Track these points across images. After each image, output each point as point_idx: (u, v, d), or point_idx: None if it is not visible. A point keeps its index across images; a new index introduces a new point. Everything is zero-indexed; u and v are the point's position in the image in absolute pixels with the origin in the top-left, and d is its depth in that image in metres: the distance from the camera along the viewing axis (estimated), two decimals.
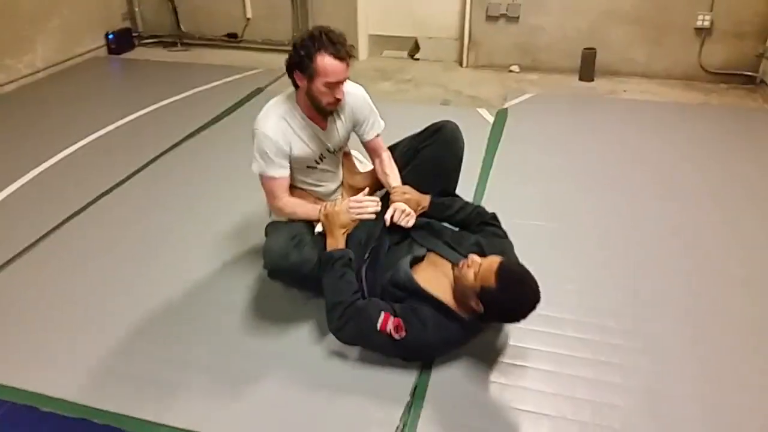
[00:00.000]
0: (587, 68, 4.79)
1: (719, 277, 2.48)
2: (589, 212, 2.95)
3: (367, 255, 2.11)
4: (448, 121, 2.39)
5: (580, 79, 4.83)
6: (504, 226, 2.26)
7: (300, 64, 2.06)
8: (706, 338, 2.16)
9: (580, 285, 2.39)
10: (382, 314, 1.84)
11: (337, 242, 2.07)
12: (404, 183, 2.33)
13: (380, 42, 5.47)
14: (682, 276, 2.48)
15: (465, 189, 2.65)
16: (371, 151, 2.42)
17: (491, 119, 4.01)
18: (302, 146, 2.21)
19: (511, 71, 5.07)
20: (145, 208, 3.00)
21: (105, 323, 2.23)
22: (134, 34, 5.74)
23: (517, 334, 2.13)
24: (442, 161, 2.39)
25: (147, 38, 5.79)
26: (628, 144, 3.68)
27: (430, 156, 2.37)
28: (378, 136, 2.38)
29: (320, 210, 2.16)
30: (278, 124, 2.14)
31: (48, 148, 3.58)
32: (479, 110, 4.15)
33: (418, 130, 2.44)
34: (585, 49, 4.77)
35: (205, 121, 3.95)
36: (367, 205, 2.14)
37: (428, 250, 2.11)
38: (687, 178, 3.27)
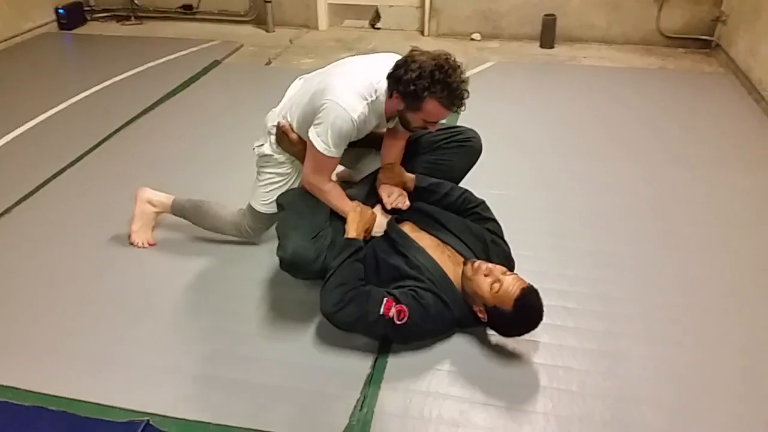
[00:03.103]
0: (548, 35, 4.79)
1: (678, 239, 2.52)
2: (548, 177, 2.97)
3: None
4: (476, 135, 2.34)
5: (541, 46, 4.83)
6: None
7: (405, 93, 1.91)
8: (663, 300, 2.20)
9: (537, 251, 2.41)
10: (385, 300, 1.84)
11: (356, 234, 2.03)
12: (408, 168, 2.25)
13: (340, 11, 5.38)
14: (640, 239, 2.52)
15: None
16: (397, 129, 2.20)
17: None
18: (363, 134, 2.09)
19: (472, 39, 5.04)
20: (103, 185, 2.94)
21: (58, 307, 2.19)
22: (86, 9, 5.55)
23: None
24: (457, 171, 2.35)
25: (99, 12, 5.60)
26: (589, 110, 3.71)
27: (449, 162, 2.31)
28: None
29: (353, 207, 2.08)
30: (363, 111, 1.98)
31: None
32: None
33: None
34: (545, 15, 4.76)
35: (162, 95, 3.84)
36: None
37: (432, 234, 2.09)
38: (646, 141, 3.31)
